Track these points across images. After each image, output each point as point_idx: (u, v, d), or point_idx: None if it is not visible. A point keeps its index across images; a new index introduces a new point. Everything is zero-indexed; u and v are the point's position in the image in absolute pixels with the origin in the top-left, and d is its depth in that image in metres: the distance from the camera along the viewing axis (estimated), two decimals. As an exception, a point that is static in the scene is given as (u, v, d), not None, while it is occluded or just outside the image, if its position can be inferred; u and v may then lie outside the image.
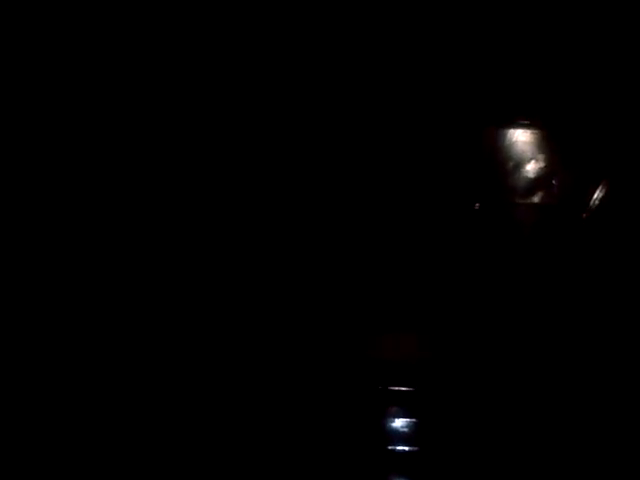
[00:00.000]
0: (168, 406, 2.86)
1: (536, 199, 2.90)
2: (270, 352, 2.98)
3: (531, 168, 2.88)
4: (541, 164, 2.87)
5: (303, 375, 3.04)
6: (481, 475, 2.94)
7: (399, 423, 3.14)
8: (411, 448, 3.14)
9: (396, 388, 3.16)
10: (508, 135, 2.83)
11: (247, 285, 2.93)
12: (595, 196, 2.84)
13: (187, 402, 2.87)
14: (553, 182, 2.88)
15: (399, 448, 3.13)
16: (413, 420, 3.16)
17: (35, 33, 2.52)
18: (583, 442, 2.90)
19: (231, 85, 2.70)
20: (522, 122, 2.79)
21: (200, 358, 2.92)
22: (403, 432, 3.13)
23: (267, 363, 2.98)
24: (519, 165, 2.88)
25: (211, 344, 2.93)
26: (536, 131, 2.81)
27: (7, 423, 2.59)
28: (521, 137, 2.83)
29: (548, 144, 2.84)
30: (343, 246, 2.95)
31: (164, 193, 2.84)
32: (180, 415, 2.86)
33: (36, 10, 2.48)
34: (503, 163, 2.88)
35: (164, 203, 2.85)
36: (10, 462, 2.52)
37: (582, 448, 2.88)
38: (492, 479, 2.92)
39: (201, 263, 2.90)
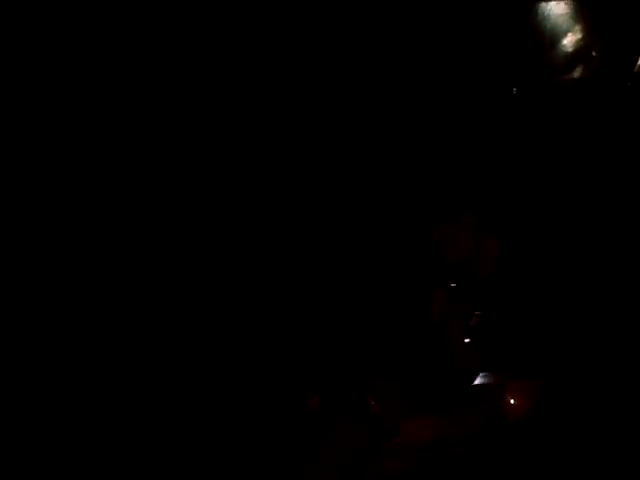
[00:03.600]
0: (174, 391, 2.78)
1: (576, 74, 2.76)
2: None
3: (568, 42, 2.74)
4: (578, 36, 2.73)
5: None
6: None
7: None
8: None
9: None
10: (540, 9, 2.69)
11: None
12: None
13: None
14: (593, 54, 2.74)
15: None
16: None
17: (35, 33, 2.48)
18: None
19: (230, 84, 2.62)
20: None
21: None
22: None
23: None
24: (555, 40, 2.73)
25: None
26: (570, 1, 2.67)
27: (7, 423, 2.52)
28: (555, 10, 2.70)
29: (584, 13, 2.70)
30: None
31: (159, 191, 2.72)
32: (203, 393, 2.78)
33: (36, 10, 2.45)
34: (538, 40, 2.74)
35: (157, 200, 2.72)
36: (10, 462, 2.46)
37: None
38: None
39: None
